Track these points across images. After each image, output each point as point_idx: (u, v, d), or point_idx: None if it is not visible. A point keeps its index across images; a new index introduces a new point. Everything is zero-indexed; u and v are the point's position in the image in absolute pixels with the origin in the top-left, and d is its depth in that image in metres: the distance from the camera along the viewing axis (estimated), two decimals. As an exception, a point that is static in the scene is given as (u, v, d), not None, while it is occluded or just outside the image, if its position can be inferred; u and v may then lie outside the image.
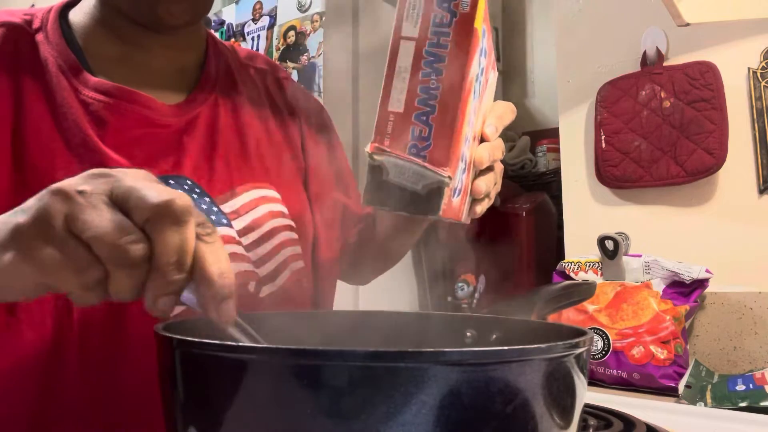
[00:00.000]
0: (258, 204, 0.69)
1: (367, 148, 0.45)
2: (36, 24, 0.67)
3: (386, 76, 0.45)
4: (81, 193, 0.36)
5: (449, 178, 0.44)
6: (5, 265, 0.37)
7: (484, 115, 0.56)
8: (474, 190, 0.55)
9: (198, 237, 0.38)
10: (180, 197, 0.36)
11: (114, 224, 0.35)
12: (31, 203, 0.37)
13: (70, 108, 0.63)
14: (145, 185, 0.37)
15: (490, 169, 0.57)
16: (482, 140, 0.56)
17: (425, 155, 0.44)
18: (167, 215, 0.36)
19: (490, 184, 0.57)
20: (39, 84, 0.63)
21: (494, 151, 0.55)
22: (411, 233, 0.81)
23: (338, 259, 0.82)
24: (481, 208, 0.57)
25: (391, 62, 0.45)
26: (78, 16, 0.69)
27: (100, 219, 0.35)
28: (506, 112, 0.58)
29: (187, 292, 0.38)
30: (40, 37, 0.66)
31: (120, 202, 0.37)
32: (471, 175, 0.54)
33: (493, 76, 0.58)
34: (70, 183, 0.37)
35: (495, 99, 0.61)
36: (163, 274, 0.36)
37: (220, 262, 0.38)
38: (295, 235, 0.72)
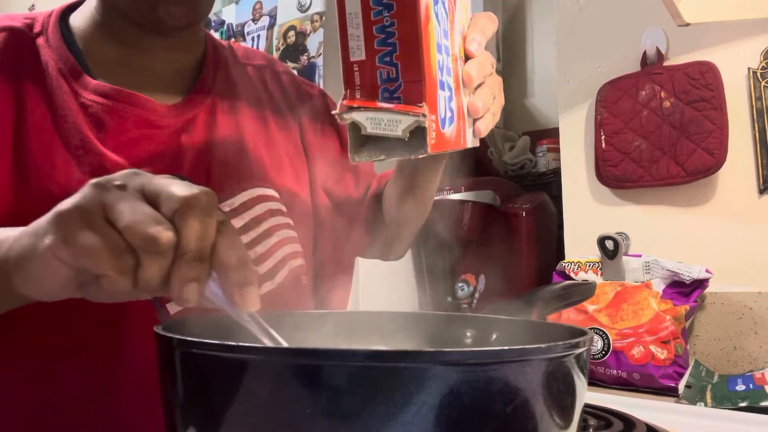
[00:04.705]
0: (256, 203, 0.69)
1: (336, 110, 0.44)
2: (37, 28, 0.68)
3: (339, 27, 0.44)
4: (118, 186, 0.39)
5: (423, 115, 0.43)
6: (44, 248, 0.39)
7: (464, 31, 0.53)
8: (471, 110, 0.52)
9: (216, 230, 0.40)
10: (206, 192, 0.39)
11: (145, 215, 0.38)
12: (74, 196, 0.40)
13: (70, 111, 0.63)
14: (174, 182, 0.40)
15: (485, 85, 0.54)
16: (468, 58, 0.53)
17: (399, 96, 0.43)
18: (194, 207, 0.38)
19: (488, 100, 0.54)
20: (39, 88, 0.64)
21: (482, 66, 0.53)
22: (428, 184, 0.74)
23: (346, 253, 0.81)
24: (485, 126, 0.54)
25: (341, 10, 0.44)
26: (78, 19, 0.70)
27: (133, 210, 0.38)
28: (487, 23, 0.55)
29: (213, 286, 0.40)
30: (40, 41, 0.67)
31: (151, 196, 0.39)
32: (465, 97, 0.52)
33: None
34: (108, 178, 0.40)
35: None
36: (186, 260, 0.38)
37: (237, 249, 0.40)
38: (293, 233, 0.72)
